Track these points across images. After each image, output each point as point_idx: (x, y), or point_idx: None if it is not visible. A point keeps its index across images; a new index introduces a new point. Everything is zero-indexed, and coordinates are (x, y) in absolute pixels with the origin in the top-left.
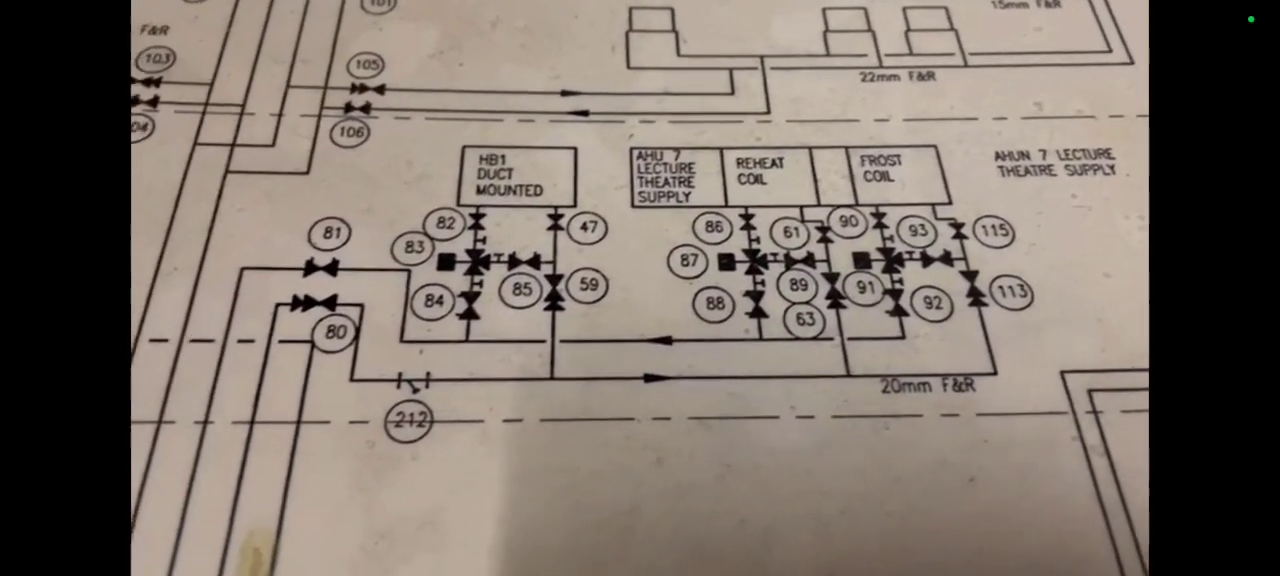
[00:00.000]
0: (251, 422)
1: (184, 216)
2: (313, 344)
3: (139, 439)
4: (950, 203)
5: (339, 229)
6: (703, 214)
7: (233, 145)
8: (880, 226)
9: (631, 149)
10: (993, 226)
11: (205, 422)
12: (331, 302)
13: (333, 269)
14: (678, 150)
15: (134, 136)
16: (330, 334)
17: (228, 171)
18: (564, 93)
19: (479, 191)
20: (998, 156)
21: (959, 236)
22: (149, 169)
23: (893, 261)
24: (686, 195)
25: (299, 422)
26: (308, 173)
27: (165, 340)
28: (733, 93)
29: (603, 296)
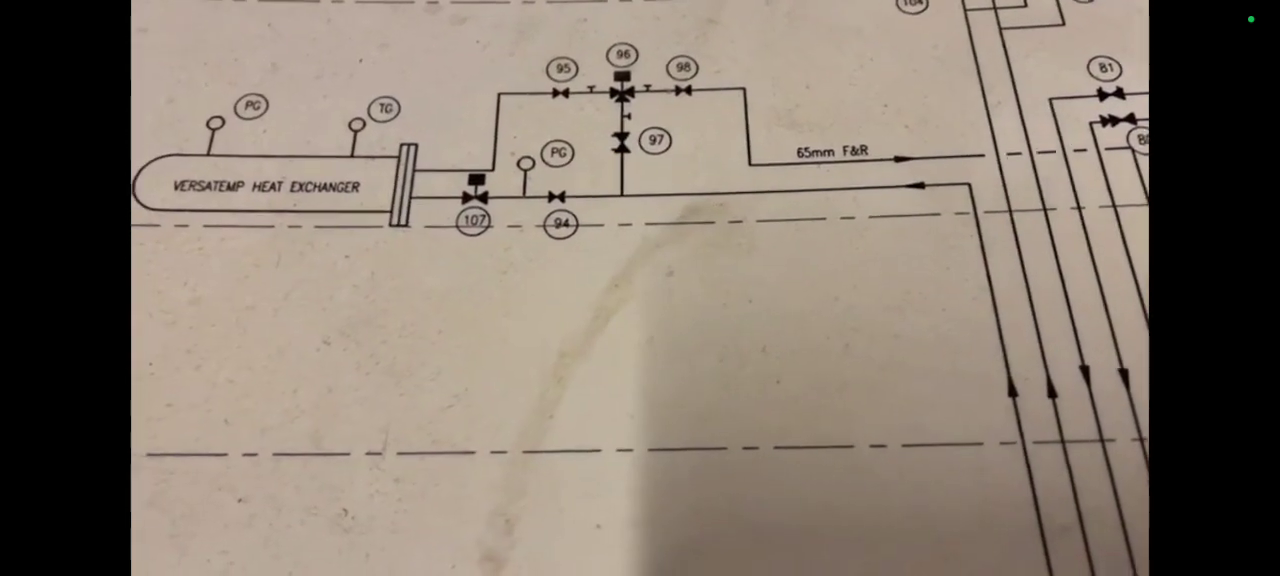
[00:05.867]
0: (1113, 207)
1: (984, 65)
2: (1132, 150)
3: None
4: None
5: (1110, 65)
6: None
7: (995, 9)
8: None
9: None
10: None
11: (1079, 209)
12: (1131, 118)
13: (1119, 94)
14: None
15: (913, 8)
16: (1142, 141)
17: (1000, 28)
18: None
19: None
20: None
21: None
22: (939, 31)
23: None
24: None
25: None
26: (1063, 25)
27: (1019, 154)
28: None
29: None
